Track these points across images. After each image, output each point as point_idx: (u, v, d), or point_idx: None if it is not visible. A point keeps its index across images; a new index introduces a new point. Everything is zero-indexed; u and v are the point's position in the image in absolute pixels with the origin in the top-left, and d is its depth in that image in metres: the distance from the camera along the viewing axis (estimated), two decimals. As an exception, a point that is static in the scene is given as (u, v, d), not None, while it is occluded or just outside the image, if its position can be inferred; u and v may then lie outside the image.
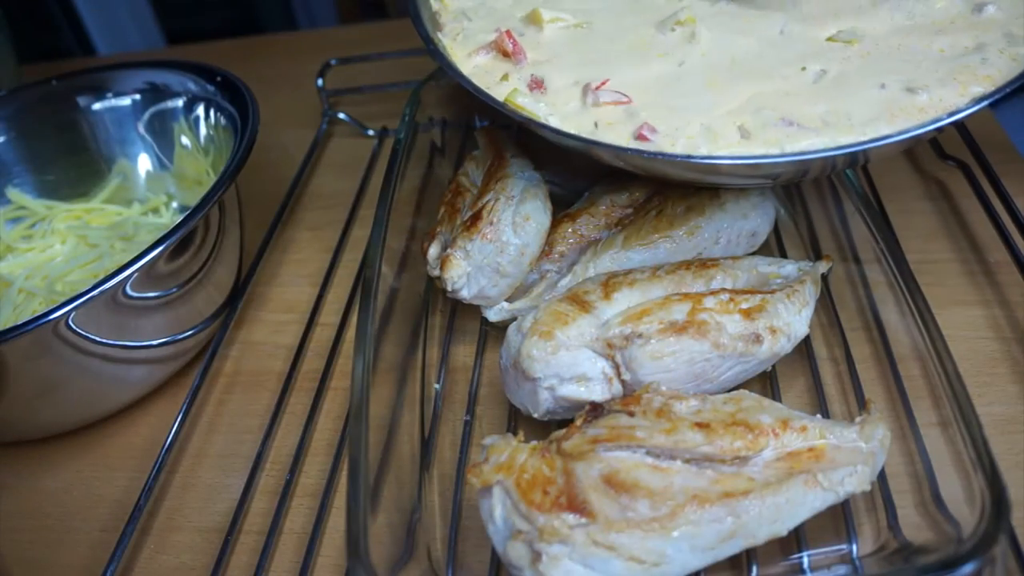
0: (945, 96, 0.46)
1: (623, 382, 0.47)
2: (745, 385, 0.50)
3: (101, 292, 0.49)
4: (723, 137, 0.46)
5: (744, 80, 0.50)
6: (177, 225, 0.53)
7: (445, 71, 0.52)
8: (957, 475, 0.41)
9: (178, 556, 0.51)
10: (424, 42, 0.55)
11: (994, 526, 0.35)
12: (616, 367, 0.47)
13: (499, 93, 0.51)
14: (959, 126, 0.67)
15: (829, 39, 0.52)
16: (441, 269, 0.55)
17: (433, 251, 0.58)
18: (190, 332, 0.60)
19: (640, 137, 0.47)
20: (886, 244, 0.49)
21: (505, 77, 0.51)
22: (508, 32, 0.53)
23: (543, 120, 0.49)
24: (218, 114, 0.69)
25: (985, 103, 0.45)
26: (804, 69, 0.50)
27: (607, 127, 0.48)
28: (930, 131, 0.45)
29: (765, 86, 0.49)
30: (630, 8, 0.57)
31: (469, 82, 0.52)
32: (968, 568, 0.34)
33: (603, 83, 0.50)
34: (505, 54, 0.53)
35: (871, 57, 0.50)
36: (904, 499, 0.45)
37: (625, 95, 0.49)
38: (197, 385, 0.58)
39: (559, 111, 0.49)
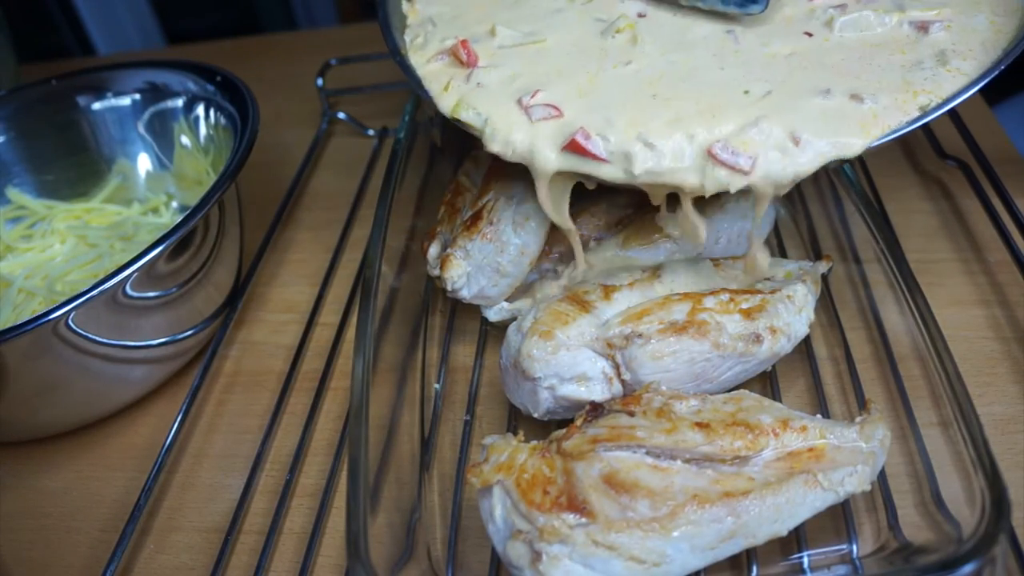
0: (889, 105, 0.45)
1: (623, 382, 0.47)
2: (745, 385, 0.50)
3: (101, 292, 0.49)
4: (659, 146, 0.46)
5: (687, 90, 0.49)
6: (177, 225, 0.53)
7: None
8: (957, 475, 0.40)
9: (178, 556, 0.51)
10: (391, 53, 0.56)
11: (994, 526, 0.35)
12: (616, 367, 0.47)
13: (446, 103, 0.52)
14: (959, 125, 0.67)
15: (770, 54, 0.50)
16: (441, 269, 0.55)
17: (433, 251, 0.58)
18: (190, 332, 0.60)
19: (572, 144, 0.46)
20: (886, 244, 0.49)
21: (447, 87, 0.52)
22: (464, 42, 0.54)
23: (483, 134, 0.49)
24: (218, 114, 0.69)
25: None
26: (746, 82, 0.49)
27: (544, 138, 0.48)
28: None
29: (707, 95, 0.48)
30: (582, 25, 0.56)
31: (425, 92, 0.53)
32: (968, 568, 0.34)
33: (534, 95, 0.49)
34: (460, 62, 0.54)
35: (813, 69, 0.49)
36: (904, 499, 0.45)
37: (556, 108, 0.48)
38: (197, 385, 0.58)
39: (501, 125, 0.49)
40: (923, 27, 0.49)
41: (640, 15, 0.56)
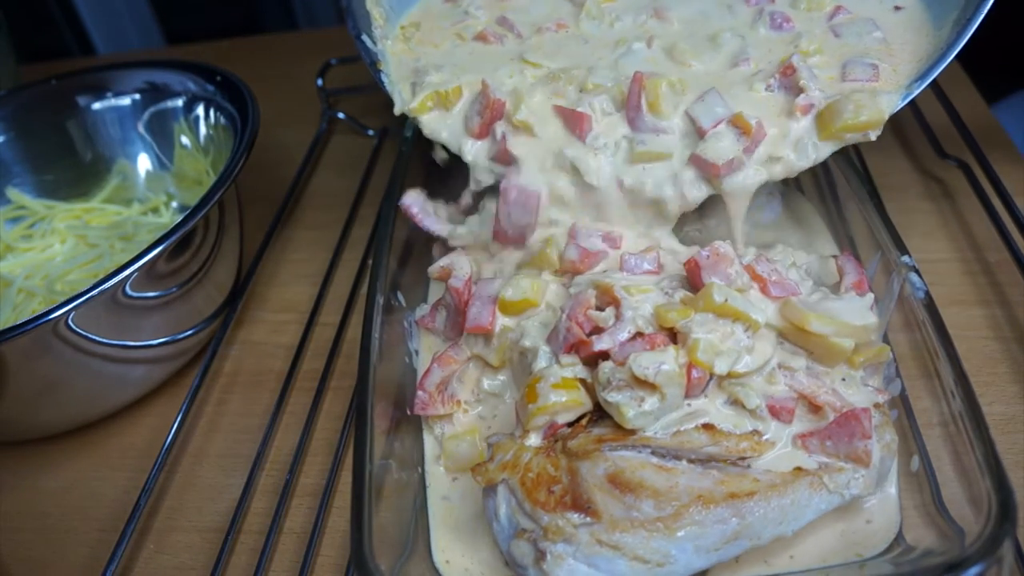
0: None
1: None
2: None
3: (101, 292, 0.49)
4: None
5: None
6: (177, 225, 0.53)
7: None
8: (958, 477, 0.40)
9: (178, 556, 0.51)
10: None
11: (1000, 527, 0.35)
12: None
13: None
14: (959, 125, 0.67)
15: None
16: (443, 268, 0.55)
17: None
18: (190, 332, 0.59)
19: None
20: (892, 240, 0.49)
21: None
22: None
23: None
24: (218, 114, 0.69)
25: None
26: None
27: None
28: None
29: None
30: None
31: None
32: (975, 569, 0.34)
33: None
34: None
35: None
36: (906, 501, 0.44)
37: None
38: (197, 385, 0.58)
39: None
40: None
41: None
